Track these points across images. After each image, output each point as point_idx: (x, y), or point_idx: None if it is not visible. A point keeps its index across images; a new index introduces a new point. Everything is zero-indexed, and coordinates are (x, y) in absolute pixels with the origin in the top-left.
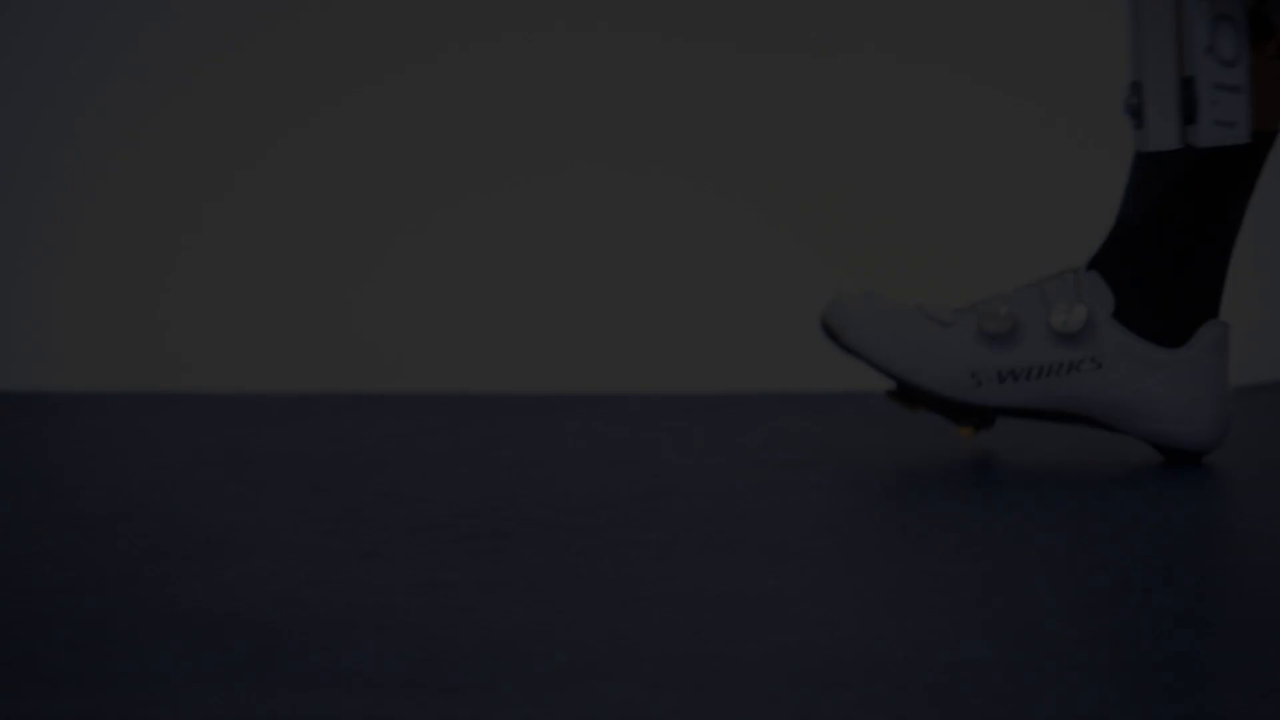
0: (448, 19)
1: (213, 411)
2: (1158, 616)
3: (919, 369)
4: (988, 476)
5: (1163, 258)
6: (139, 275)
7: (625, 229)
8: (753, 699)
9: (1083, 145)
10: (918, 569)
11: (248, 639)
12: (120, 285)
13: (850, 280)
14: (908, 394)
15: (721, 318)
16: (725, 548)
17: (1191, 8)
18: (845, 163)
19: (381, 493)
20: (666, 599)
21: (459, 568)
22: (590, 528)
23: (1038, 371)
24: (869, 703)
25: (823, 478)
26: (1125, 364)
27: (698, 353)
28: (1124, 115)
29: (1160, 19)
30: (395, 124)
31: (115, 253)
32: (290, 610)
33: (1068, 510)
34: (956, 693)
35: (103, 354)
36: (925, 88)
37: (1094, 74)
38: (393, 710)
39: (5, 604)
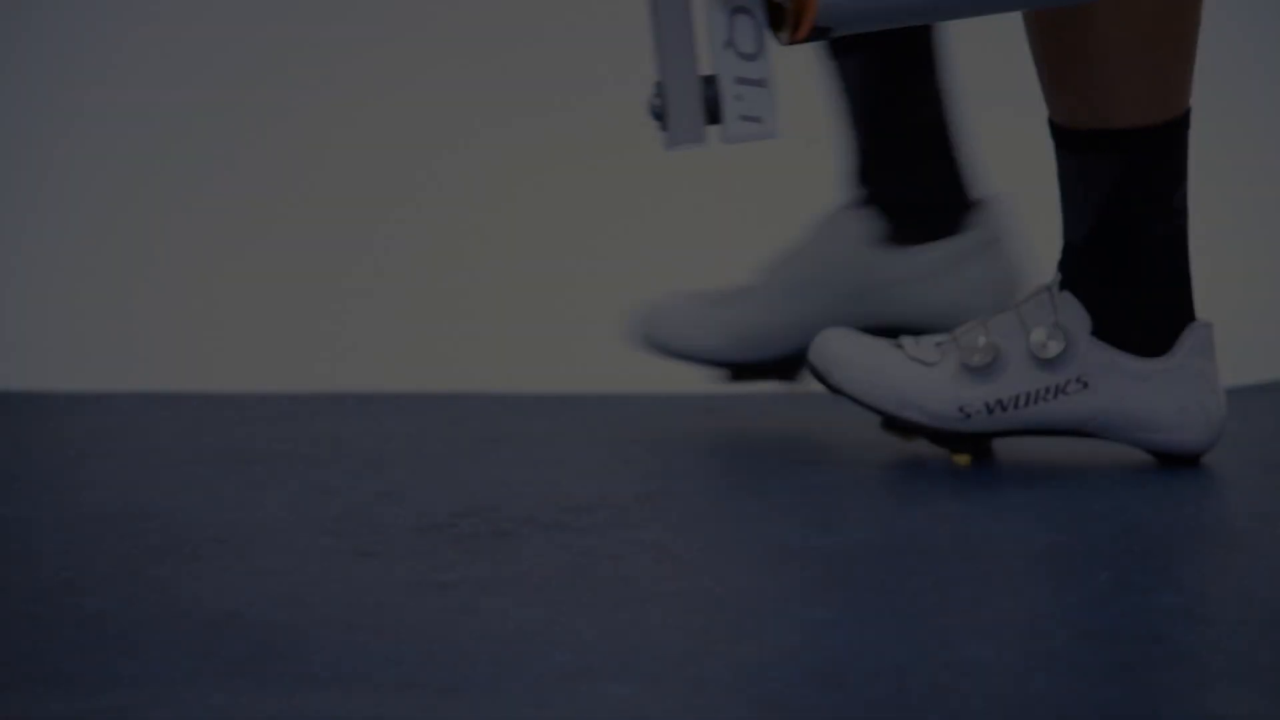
0: (446, 18)
1: (213, 411)
2: (1158, 616)
3: (907, 409)
4: (988, 476)
5: (1126, 268)
6: (139, 275)
7: (625, 229)
8: (753, 699)
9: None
10: (918, 569)
11: (248, 639)
12: (120, 285)
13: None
14: (900, 427)
15: None
16: (725, 548)
17: (708, 2)
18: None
19: (381, 493)
20: (666, 599)
21: (459, 568)
22: (590, 528)
23: (1025, 399)
24: (869, 703)
25: (823, 478)
26: (1112, 380)
27: None
28: (649, 118)
29: (677, 16)
30: (397, 126)
31: (115, 253)
32: (290, 610)
33: (1068, 510)
34: (956, 693)
35: (103, 354)
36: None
37: None
38: (393, 710)
39: (5, 604)
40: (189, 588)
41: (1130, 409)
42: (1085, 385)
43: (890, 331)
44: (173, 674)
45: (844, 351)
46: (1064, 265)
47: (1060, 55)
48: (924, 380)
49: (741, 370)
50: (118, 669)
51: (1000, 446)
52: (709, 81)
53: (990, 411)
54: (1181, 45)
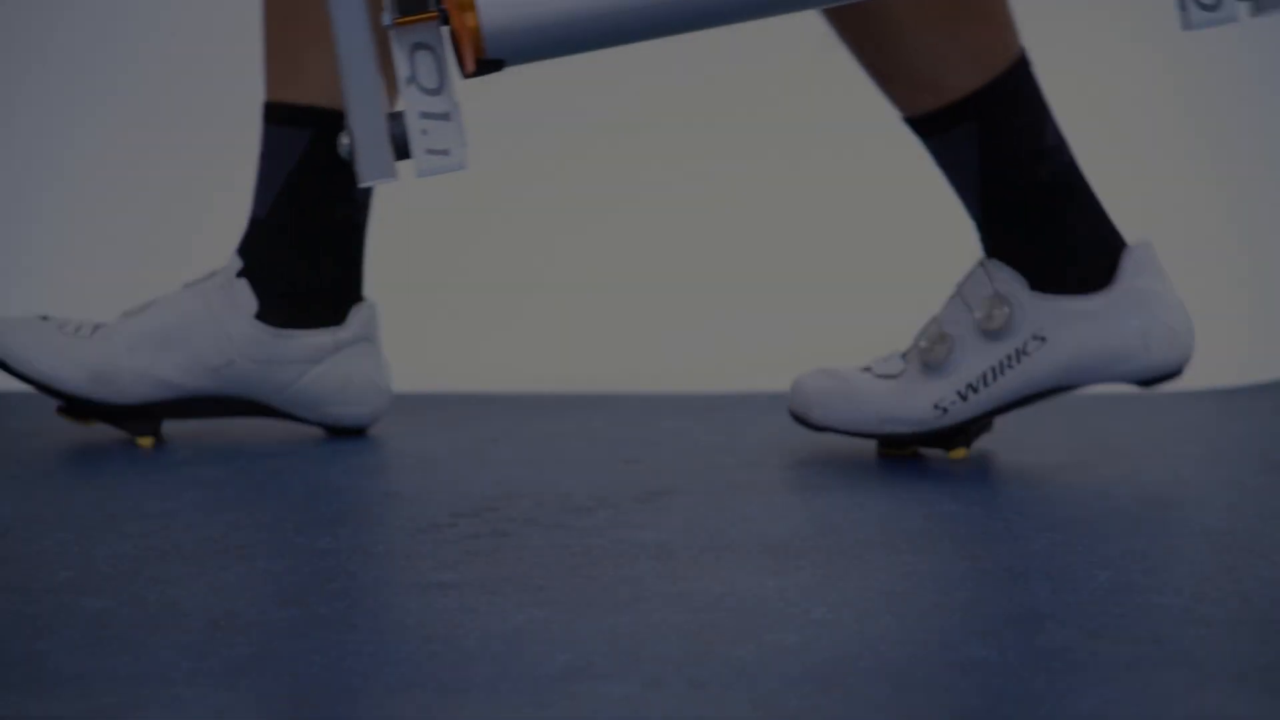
0: None
1: None
2: (1158, 616)
3: (888, 424)
4: (988, 476)
5: (1032, 217)
6: (139, 275)
7: (626, 229)
8: (753, 699)
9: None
10: (918, 569)
11: (248, 639)
12: (120, 285)
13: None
14: (893, 443)
15: (722, 318)
16: (725, 548)
17: (390, 41)
18: (846, 161)
19: (381, 493)
20: (666, 599)
21: (459, 568)
22: (590, 528)
23: (992, 374)
24: (869, 703)
25: (823, 478)
26: (1066, 327)
27: (698, 353)
28: (342, 155)
29: (361, 55)
30: None
31: (115, 253)
32: (290, 610)
33: (1068, 510)
34: (956, 693)
35: None
36: None
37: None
38: (393, 710)
39: (5, 604)
40: (189, 588)
41: (1095, 348)
42: (1044, 340)
43: (247, 407)
44: (173, 674)
45: (817, 389)
46: (982, 238)
47: (874, 51)
48: (895, 392)
49: (80, 405)
50: (118, 669)
51: (1000, 446)
52: (396, 118)
53: (964, 398)
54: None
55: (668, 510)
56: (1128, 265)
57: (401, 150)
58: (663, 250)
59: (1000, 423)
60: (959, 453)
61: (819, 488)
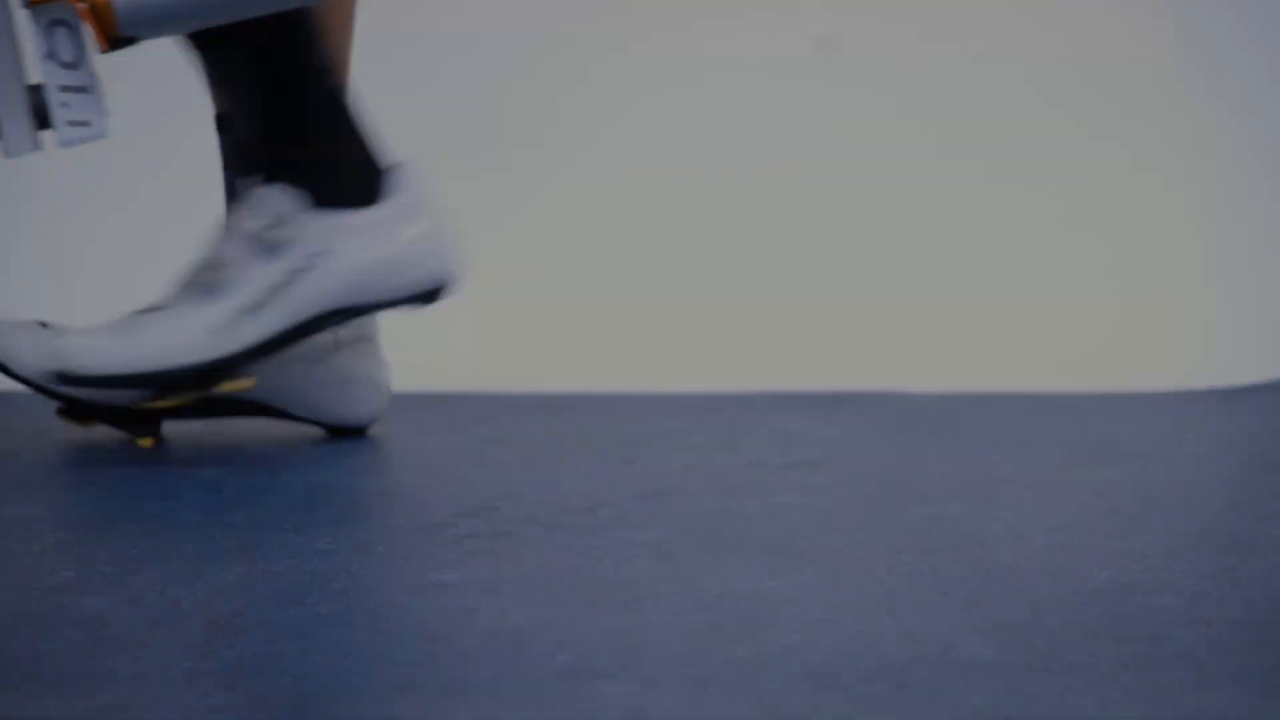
0: (448, 15)
1: None
2: (1158, 616)
3: (167, 358)
4: (988, 476)
5: (321, 133)
6: (137, 274)
7: (626, 228)
8: (753, 699)
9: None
10: (918, 569)
11: (248, 639)
12: (119, 285)
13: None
14: (169, 384)
15: (722, 318)
16: (725, 548)
17: (29, 19)
18: (846, 160)
19: (381, 493)
20: (666, 599)
21: (459, 568)
22: (590, 528)
23: (278, 290)
24: (869, 703)
25: (823, 478)
26: (350, 239)
27: (698, 353)
28: None
29: None
30: (396, 122)
31: (113, 252)
32: (290, 610)
33: (1067, 510)
34: (956, 693)
35: None
36: (924, 88)
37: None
38: (393, 710)
39: (5, 604)
40: (189, 588)
41: (376, 258)
42: (329, 253)
43: (247, 407)
44: (173, 674)
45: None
46: (265, 160)
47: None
48: (169, 318)
49: (80, 406)
50: (118, 669)
51: (998, 446)
52: (34, 91)
53: (255, 315)
54: None
55: (668, 510)
56: (399, 181)
57: (43, 122)
58: (663, 250)
59: (999, 423)
60: (234, 385)
61: (819, 488)
